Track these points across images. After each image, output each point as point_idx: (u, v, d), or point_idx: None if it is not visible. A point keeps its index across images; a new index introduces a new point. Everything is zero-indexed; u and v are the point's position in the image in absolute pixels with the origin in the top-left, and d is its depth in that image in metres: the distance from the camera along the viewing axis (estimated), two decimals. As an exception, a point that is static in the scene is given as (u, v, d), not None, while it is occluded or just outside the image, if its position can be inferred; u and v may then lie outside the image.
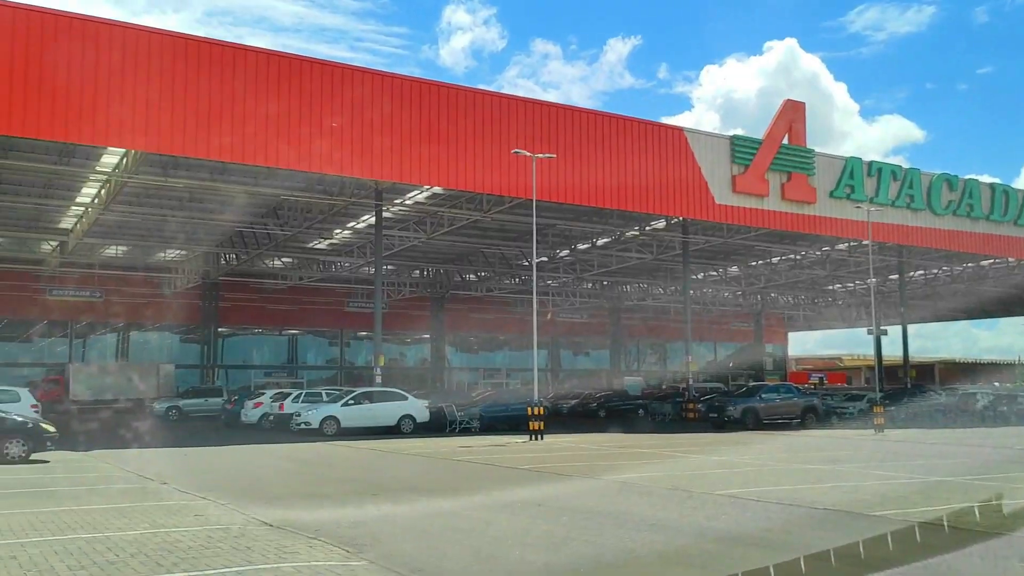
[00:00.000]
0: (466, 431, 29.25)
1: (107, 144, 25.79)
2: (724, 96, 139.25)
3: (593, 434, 28.42)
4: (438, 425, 29.38)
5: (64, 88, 23.12)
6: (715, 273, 53.61)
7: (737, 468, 17.45)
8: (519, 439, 24.95)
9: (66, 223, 38.61)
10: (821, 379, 61.99)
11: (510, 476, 15.87)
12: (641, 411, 40.57)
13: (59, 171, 29.64)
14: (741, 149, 35.15)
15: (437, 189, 32.13)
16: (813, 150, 37.21)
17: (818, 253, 46.31)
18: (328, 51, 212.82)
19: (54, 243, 41.54)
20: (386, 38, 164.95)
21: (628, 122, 33.08)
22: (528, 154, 27.72)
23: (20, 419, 18.39)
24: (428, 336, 58.15)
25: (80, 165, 29.67)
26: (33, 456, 17.55)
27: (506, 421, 30.06)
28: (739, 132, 37.14)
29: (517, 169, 29.03)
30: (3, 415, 18.15)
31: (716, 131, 40.26)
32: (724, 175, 34.63)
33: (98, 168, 29.83)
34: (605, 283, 55.21)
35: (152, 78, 24.23)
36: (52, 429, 18.22)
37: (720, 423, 31.63)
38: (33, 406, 24.76)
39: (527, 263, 43.01)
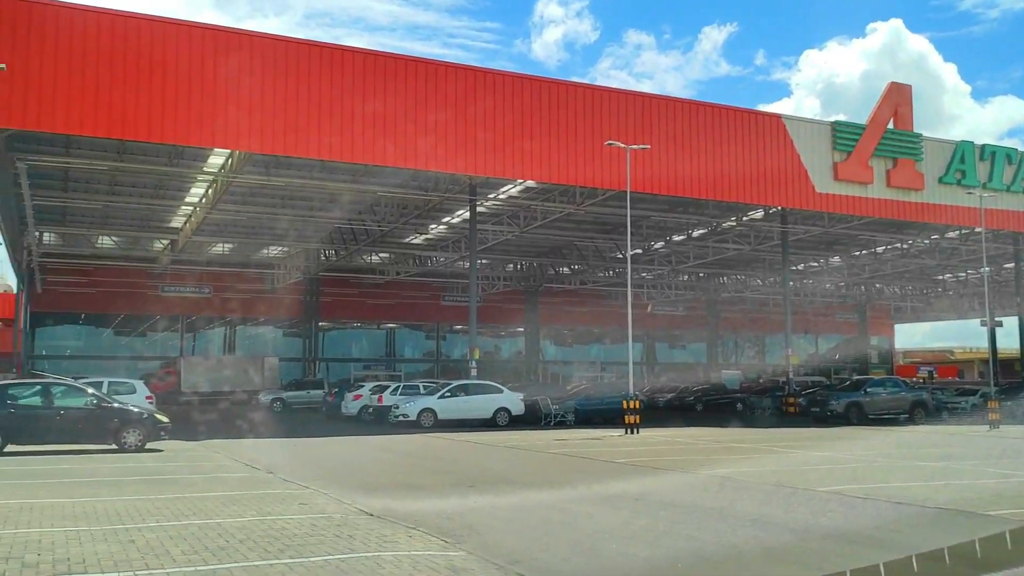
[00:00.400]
0: (561, 424, 29.24)
1: (217, 146, 26.82)
2: (825, 81, 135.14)
3: (690, 428, 28.05)
4: (533, 418, 29.46)
5: (173, 93, 24.13)
6: (816, 264, 52.07)
7: (842, 464, 16.93)
8: (615, 432, 24.80)
9: (176, 222, 40.30)
10: (931, 372, 59.59)
11: (607, 470, 15.78)
12: (739, 405, 39.79)
13: (169, 172, 30.96)
14: (843, 135, 34.02)
15: (530, 183, 32.22)
16: (920, 134, 35.74)
17: (926, 242, 44.42)
18: (422, 48, 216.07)
19: (165, 242, 43.43)
20: (478, 33, 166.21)
21: (724, 111, 32.43)
22: (622, 145, 27.49)
23: (136, 410, 19.31)
24: (522, 329, 58.41)
25: (188, 166, 30.93)
26: (148, 445, 18.40)
27: (601, 414, 29.89)
28: (841, 118, 36.04)
29: (611, 161, 28.83)
30: (121, 406, 19.11)
31: (816, 117, 39.08)
32: (825, 162, 33.59)
33: (205, 168, 31.04)
34: (701, 275, 54.30)
35: (258, 81, 25.06)
36: (166, 419, 19.07)
37: (822, 418, 30.73)
38: (148, 397, 25.94)
39: (621, 255, 42.70)
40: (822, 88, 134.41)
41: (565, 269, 52.67)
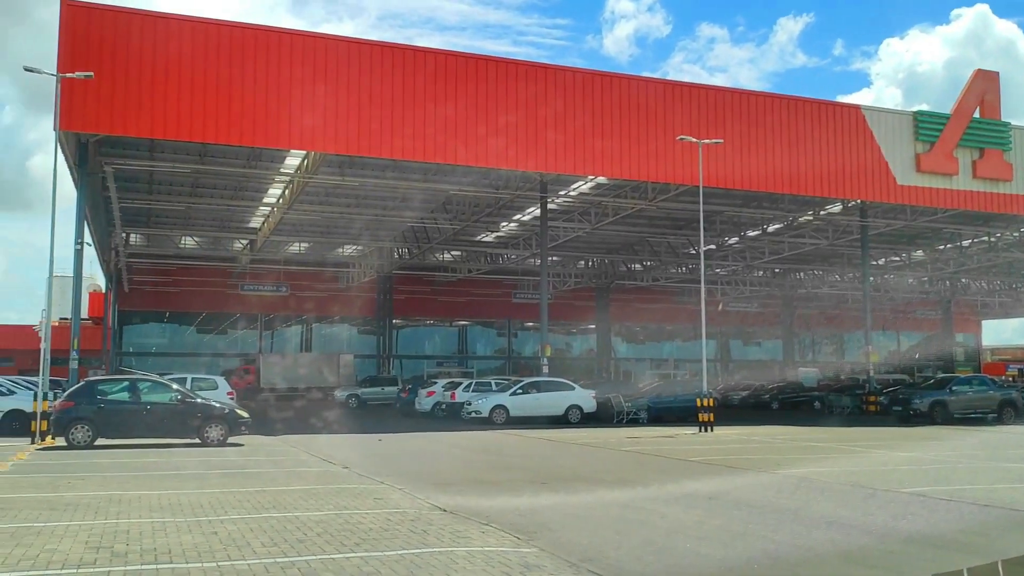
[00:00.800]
0: (633, 422, 29.05)
1: (294, 147, 27.43)
2: (906, 70, 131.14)
3: (765, 426, 27.53)
4: (605, 415, 29.33)
5: (251, 96, 24.78)
6: (898, 258, 50.53)
7: (925, 465, 16.41)
8: (688, 431, 24.53)
9: (255, 222, 41.35)
10: (1021, 371, 57.17)
11: (680, 468, 15.63)
12: (817, 404, 38.88)
13: (248, 174, 31.79)
14: (926, 125, 32.96)
15: (601, 179, 32.08)
16: (1009, 123, 34.39)
17: (1015, 235, 42.69)
18: (493, 47, 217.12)
19: (244, 242, 44.60)
20: (549, 30, 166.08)
21: (800, 102, 31.75)
22: (694, 140, 27.15)
23: (218, 406, 19.89)
24: (594, 326, 58.20)
25: (266, 168, 31.70)
26: (229, 440, 18.93)
27: (674, 412, 29.60)
28: (923, 108, 34.89)
29: (683, 156, 28.52)
30: (204, 402, 19.71)
31: (898, 107, 37.90)
32: (907, 154, 32.60)
33: (282, 170, 31.76)
34: (777, 271, 53.27)
35: (333, 83, 25.55)
36: (246, 415, 19.59)
37: (905, 417, 29.81)
38: (229, 393, 26.75)
39: (694, 251, 42.17)
40: (904, 77, 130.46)
41: (637, 266, 52.26)
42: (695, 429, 24.53)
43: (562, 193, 34.71)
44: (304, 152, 28.47)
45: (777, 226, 41.21)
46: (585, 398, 29.36)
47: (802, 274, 54.51)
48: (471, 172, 30.45)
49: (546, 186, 32.13)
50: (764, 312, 61.11)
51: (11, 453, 16.76)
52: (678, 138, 27.61)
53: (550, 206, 34.54)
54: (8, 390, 22.95)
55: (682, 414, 28.52)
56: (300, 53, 25.50)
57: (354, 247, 47.17)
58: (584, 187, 34.12)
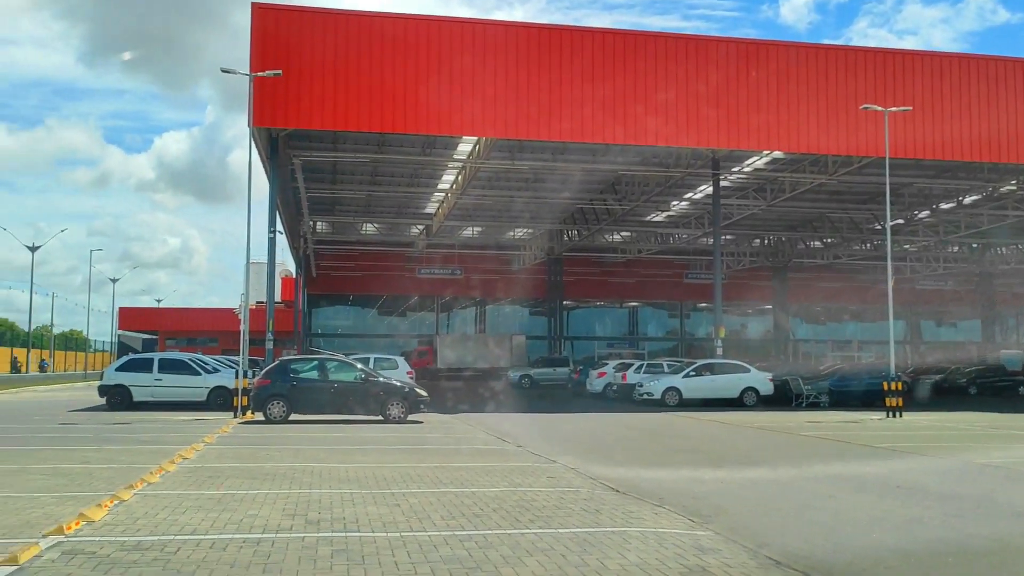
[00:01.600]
0: (813, 406, 27.91)
1: (464, 134, 28.18)
2: None
3: (961, 412, 25.73)
4: (782, 399, 28.38)
5: (425, 85, 25.62)
6: (1119, 229, 45.67)
7: None
8: (874, 416, 23.32)
9: (430, 208, 42.78)
10: None
11: (862, 454, 14.89)
12: (1022, 389, 35.95)
13: (423, 161, 32.92)
14: None
15: (777, 154, 30.90)
16: None
17: None
18: (661, 23, 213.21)
19: (421, 227, 46.26)
20: (720, 1, 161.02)
21: (1000, 62, 29.27)
22: (879, 108, 25.59)
23: (399, 384, 20.82)
24: (770, 307, 56.33)
25: (439, 155, 32.70)
26: (409, 417, 19.78)
27: (858, 397, 28.25)
28: None
29: (866, 126, 26.98)
30: (386, 381, 20.67)
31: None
32: None
33: (455, 156, 32.66)
34: (975, 246, 49.44)
35: (502, 68, 26.01)
36: (424, 393, 20.38)
37: None
38: (408, 373, 27.95)
39: (879, 227, 39.87)
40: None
41: (816, 243, 50.05)
42: (882, 414, 23.29)
43: (735, 170, 33.70)
44: (475, 138, 29.14)
45: (975, 197, 38.24)
46: (761, 380, 28.51)
47: (1004, 249, 50.34)
48: (638, 151, 30.15)
49: (718, 163, 31.29)
50: (959, 290, 56.99)
51: (217, 426, 18.24)
52: (862, 107, 26.12)
53: (723, 183, 33.63)
54: (213, 368, 24.94)
55: (867, 399, 27.18)
56: (470, 40, 26.09)
57: (524, 230, 47.85)
58: (759, 162, 32.98)
